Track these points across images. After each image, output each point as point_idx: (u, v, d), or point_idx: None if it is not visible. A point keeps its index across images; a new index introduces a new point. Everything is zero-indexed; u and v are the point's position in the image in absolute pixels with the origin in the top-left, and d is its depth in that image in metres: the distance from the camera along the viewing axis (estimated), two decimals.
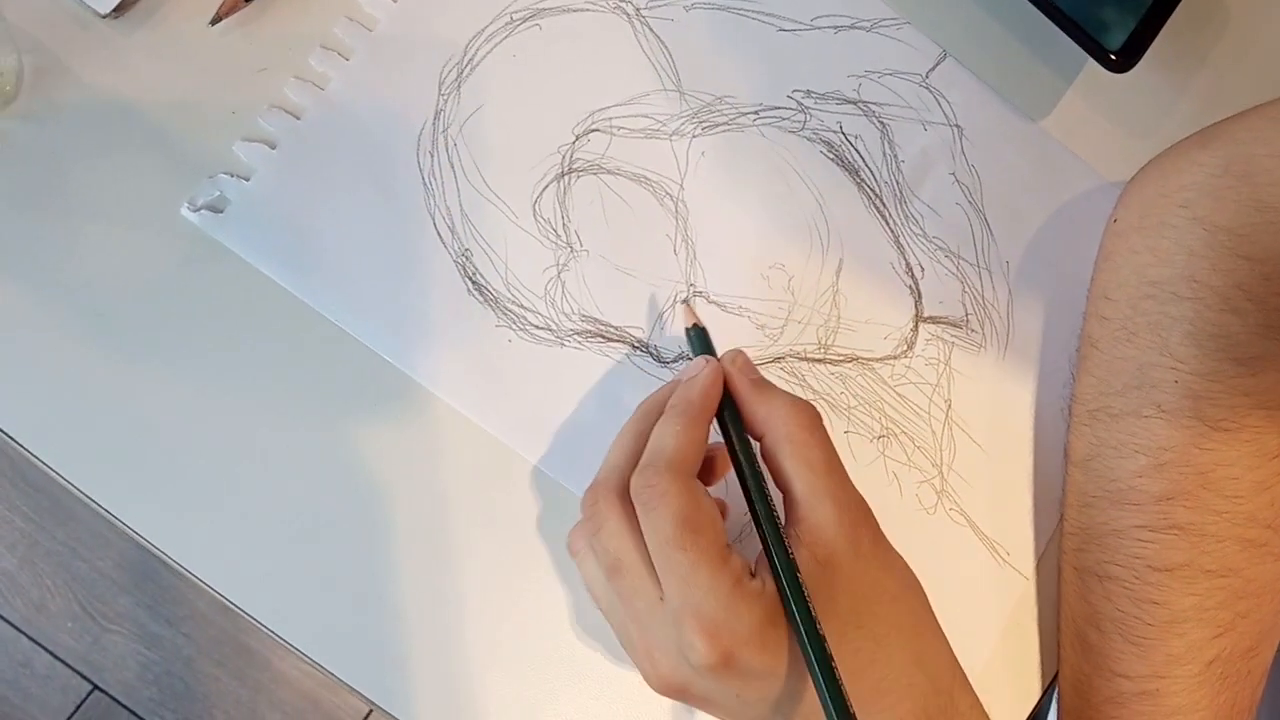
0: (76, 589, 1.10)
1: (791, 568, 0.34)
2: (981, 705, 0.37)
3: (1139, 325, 0.43)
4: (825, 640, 0.32)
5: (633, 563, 0.35)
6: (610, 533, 0.35)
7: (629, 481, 0.36)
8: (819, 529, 0.35)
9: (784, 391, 0.38)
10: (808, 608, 0.33)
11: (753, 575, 0.34)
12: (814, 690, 0.32)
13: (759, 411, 0.37)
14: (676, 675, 0.34)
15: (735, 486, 0.37)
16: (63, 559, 1.09)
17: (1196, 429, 0.41)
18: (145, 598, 1.09)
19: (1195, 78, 0.49)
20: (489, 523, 0.42)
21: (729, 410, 0.38)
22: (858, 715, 0.31)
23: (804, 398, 0.38)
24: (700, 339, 0.41)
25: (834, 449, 0.36)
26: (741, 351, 0.39)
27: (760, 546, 0.35)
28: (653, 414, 0.38)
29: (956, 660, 0.37)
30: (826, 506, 0.35)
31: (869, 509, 0.36)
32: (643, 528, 0.35)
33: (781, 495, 0.36)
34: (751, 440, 0.38)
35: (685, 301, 0.44)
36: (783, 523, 0.35)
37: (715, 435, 0.38)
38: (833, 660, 0.32)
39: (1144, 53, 0.45)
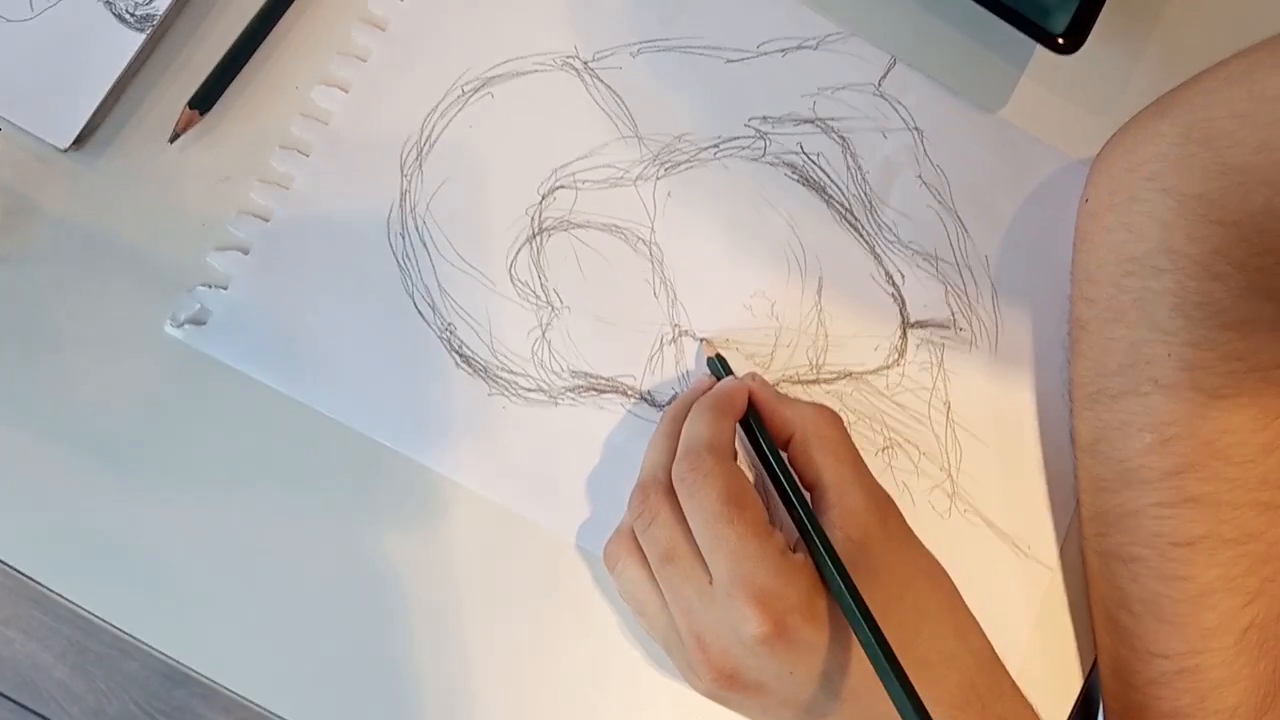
0: (131, 689, 1.11)
1: (829, 542, 0.36)
2: (1022, 693, 0.37)
3: (1124, 303, 0.43)
4: (870, 611, 0.34)
5: (685, 549, 0.37)
6: (663, 523, 0.37)
7: (672, 475, 0.38)
8: (851, 512, 0.37)
9: (804, 400, 0.41)
10: (849, 578, 0.34)
11: (794, 549, 0.36)
12: (860, 662, 0.34)
13: (785, 413, 0.40)
14: (729, 658, 0.35)
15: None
16: (114, 662, 1.10)
17: (1196, 399, 0.41)
18: (199, 688, 1.10)
19: (1146, 45, 0.49)
20: (507, 594, 0.42)
21: (752, 416, 0.40)
22: (902, 674, 0.32)
23: None
24: (723, 366, 0.43)
25: (856, 448, 0.39)
26: (756, 373, 0.42)
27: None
28: (680, 416, 0.40)
29: (990, 644, 0.38)
30: (857, 493, 0.38)
31: (893, 501, 0.39)
32: (687, 511, 0.37)
33: (810, 493, 0.38)
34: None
35: (703, 340, 0.44)
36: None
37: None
38: (879, 629, 0.33)
39: (1090, 30, 0.45)
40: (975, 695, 0.36)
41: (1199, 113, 0.42)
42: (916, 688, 0.32)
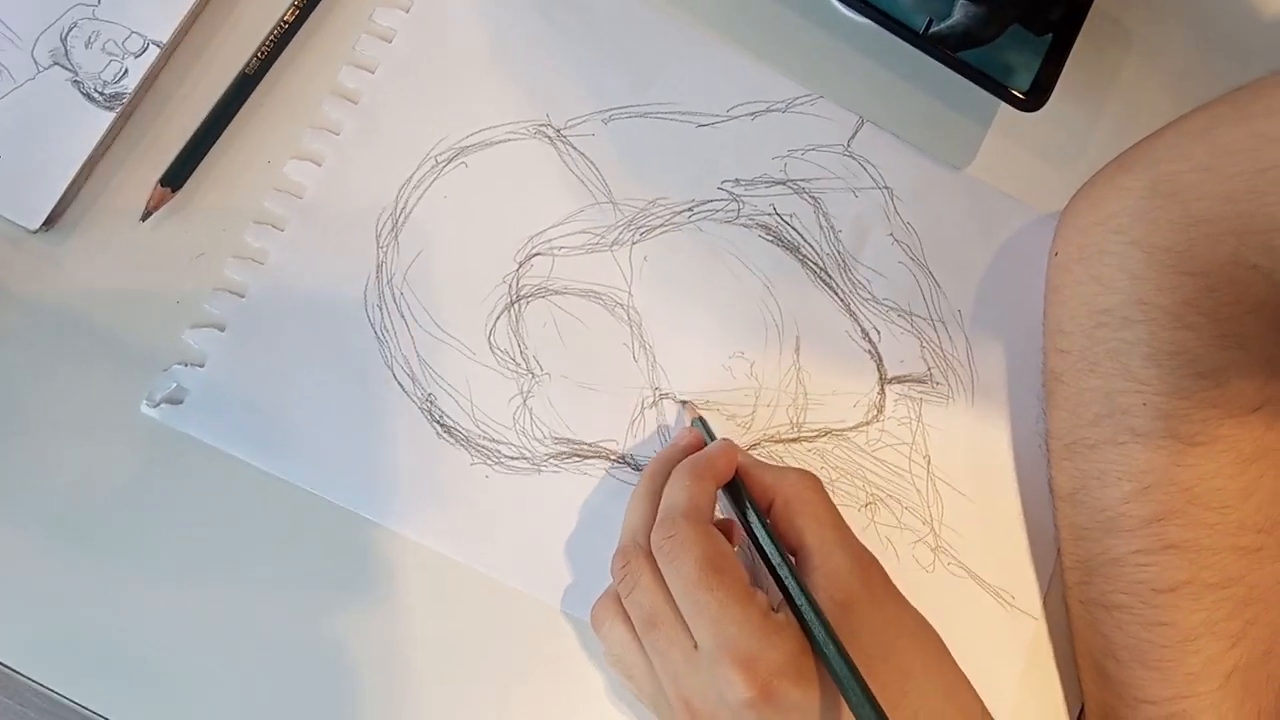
0: None
1: (814, 601, 0.36)
2: None
3: (1098, 354, 0.43)
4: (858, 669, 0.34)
5: (667, 615, 0.36)
6: (644, 588, 0.37)
7: (650, 543, 0.38)
8: (834, 574, 0.37)
9: (785, 465, 0.41)
10: (836, 637, 0.34)
11: (777, 610, 0.36)
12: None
13: (766, 478, 0.40)
14: None
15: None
16: None
17: (1173, 448, 0.41)
18: None
19: (1108, 100, 0.50)
20: (496, 664, 0.42)
21: (735, 481, 0.40)
22: None
23: None
24: (705, 429, 0.43)
25: (838, 510, 0.39)
26: (732, 440, 0.42)
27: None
28: (658, 476, 0.40)
29: (979, 701, 0.38)
30: (839, 554, 0.38)
31: (877, 560, 0.39)
32: (667, 578, 0.37)
33: (794, 557, 0.38)
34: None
35: (684, 403, 0.44)
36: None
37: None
38: (868, 687, 0.33)
39: (1053, 88, 0.46)
40: None
41: (1163, 167, 0.43)
42: None
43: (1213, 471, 0.41)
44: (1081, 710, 0.45)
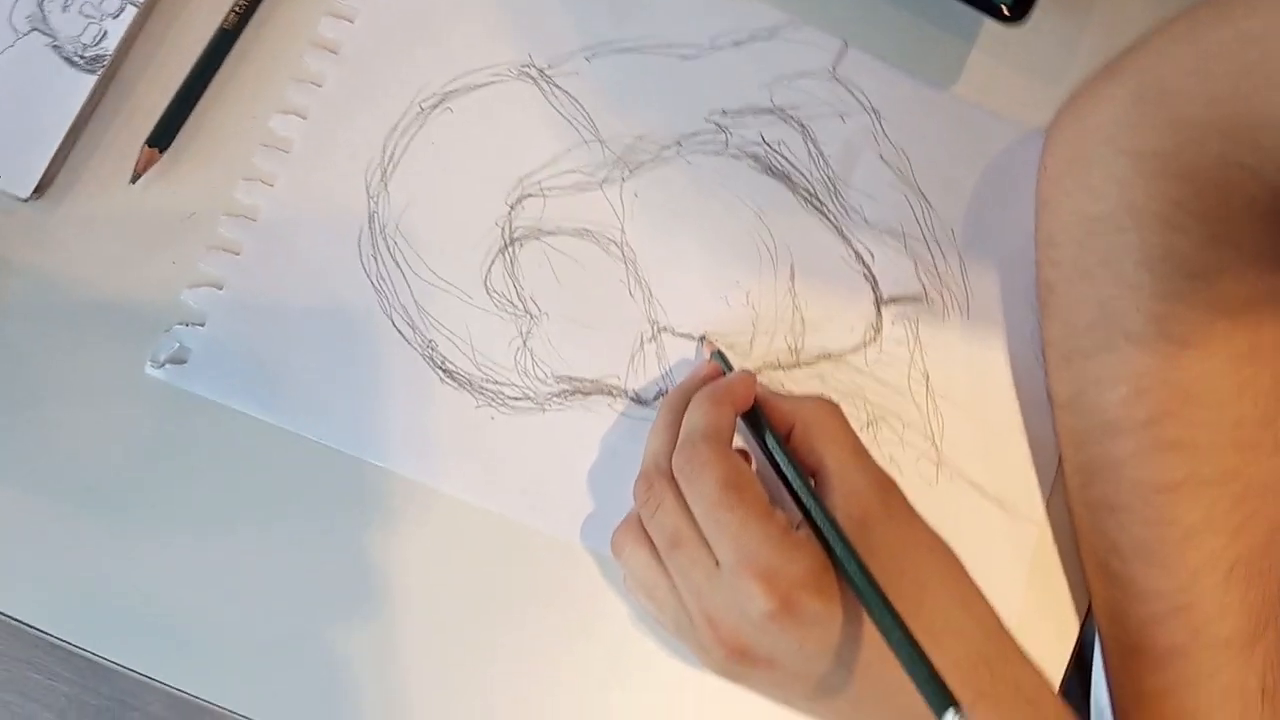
0: None
1: (831, 516, 0.37)
2: (1029, 656, 0.38)
3: (1090, 263, 0.44)
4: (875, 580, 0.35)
5: (690, 535, 0.37)
6: (667, 510, 0.38)
7: (672, 465, 0.39)
8: (852, 494, 0.38)
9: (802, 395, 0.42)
10: (853, 549, 0.35)
11: (797, 529, 0.37)
12: (871, 634, 0.35)
13: (784, 405, 0.41)
14: (739, 636, 0.36)
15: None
16: (114, 713, 1.08)
17: (1167, 350, 0.42)
18: None
19: (1091, 12, 0.50)
20: (513, 598, 0.42)
21: (753, 411, 0.41)
22: (913, 640, 0.33)
23: None
24: (724, 362, 0.44)
25: (856, 434, 0.40)
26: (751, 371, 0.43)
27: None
28: (678, 405, 0.41)
29: (995, 613, 0.39)
30: (857, 475, 0.39)
31: (895, 482, 0.40)
32: (689, 499, 0.38)
33: (813, 479, 0.39)
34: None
35: (702, 338, 0.45)
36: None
37: None
38: (886, 597, 0.34)
39: (1034, 7, 0.45)
40: (983, 661, 0.36)
41: (1148, 73, 0.43)
42: None
43: (1207, 371, 0.42)
44: (1089, 609, 0.46)
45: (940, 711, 0.31)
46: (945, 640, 0.36)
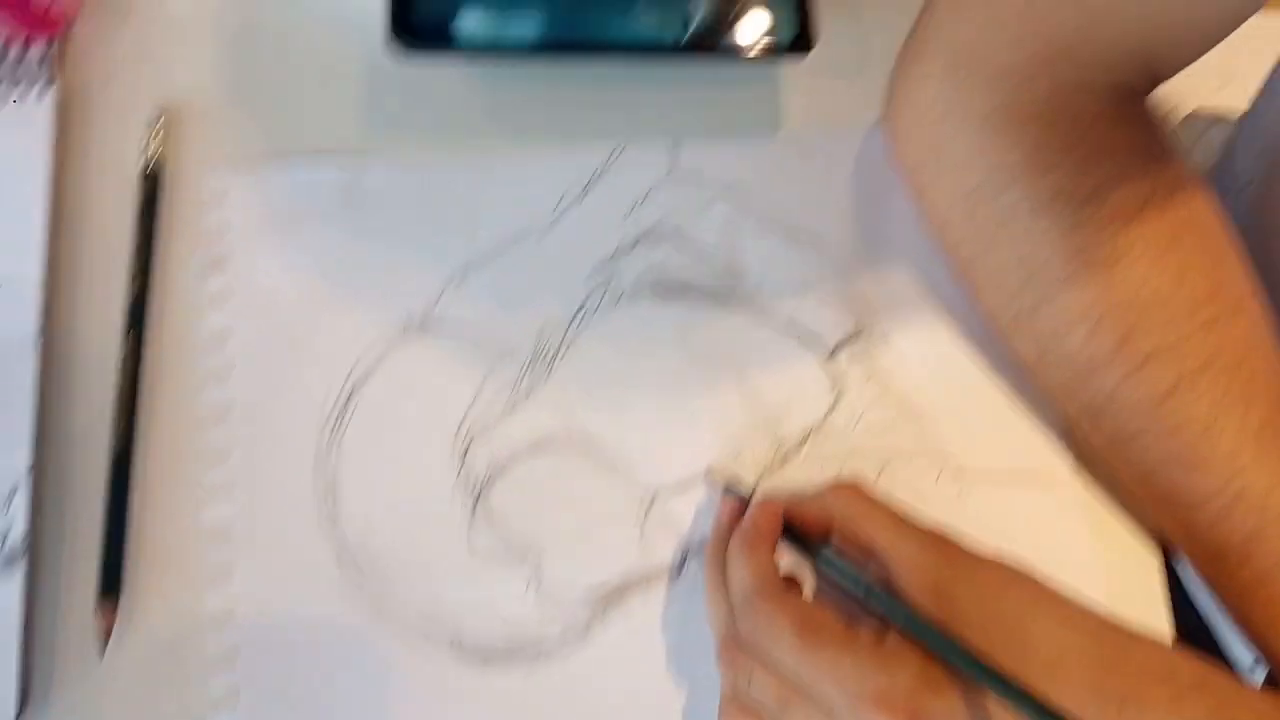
0: None
1: (909, 608, 0.36)
2: (1141, 628, 0.38)
3: (989, 231, 0.44)
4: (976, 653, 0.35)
5: (792, 693, 0.37)
6: (759, 678, 0.38)
7: (740, 634, 0.38)
8: (914, 567, 0.38)
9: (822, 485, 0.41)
10: (943, 634, 0.35)
11: (885, 633, 0.37)
12: (997, 705, 0.35)
13: (813, 509, 0.41)
14: None
15: None
16: None
17: (1098, 276, 0.43)
18: None
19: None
20: None
21: (789, 529, 0.41)
22: (1040, 698, 0.33)
23: None
24: (737, 490, 0.44)
25: (890, 504, 0.40)
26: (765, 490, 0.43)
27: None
28: (719, 563, 0.41)
29: (1092, 609, 0.38)
30: (909, 545, 0.38)
31: (945, 534, 0.39)
32: (774, 660, 0.37)
33: (870, 562, 0.39)
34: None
35: (708, 471, 0.45)
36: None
37: None
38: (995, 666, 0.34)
39: (817, 23, 0.46)
40: (1107, 667, 0.36)
41: (948, 42, 0.44)
42: (1052, 692, 0.34)
43: (1142, 275, 0.43)
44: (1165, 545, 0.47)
45: None
46: (1067, 664, 0.36)
